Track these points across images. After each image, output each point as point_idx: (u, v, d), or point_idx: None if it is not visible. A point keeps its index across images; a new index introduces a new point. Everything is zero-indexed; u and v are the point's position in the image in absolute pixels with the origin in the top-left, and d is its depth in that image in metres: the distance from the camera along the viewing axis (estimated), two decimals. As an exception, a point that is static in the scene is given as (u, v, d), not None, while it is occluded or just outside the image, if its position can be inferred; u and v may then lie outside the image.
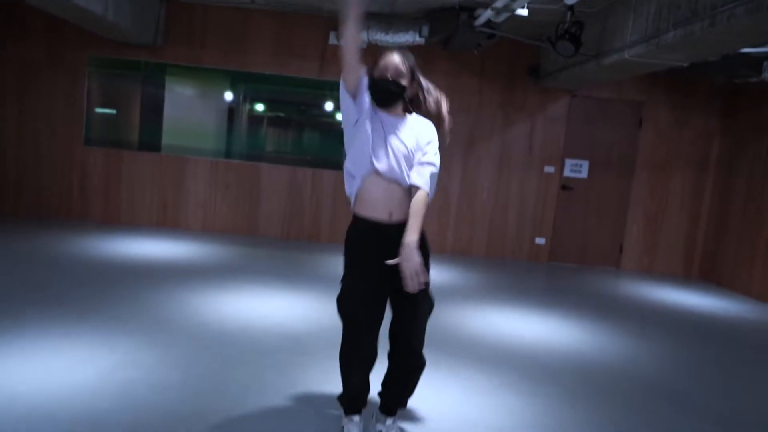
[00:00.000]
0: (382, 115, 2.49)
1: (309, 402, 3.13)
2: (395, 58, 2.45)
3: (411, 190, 2.45)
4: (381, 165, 2.43)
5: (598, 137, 7.93)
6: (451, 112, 2.62)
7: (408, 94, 2.50)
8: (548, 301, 5.96)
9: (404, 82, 2.45)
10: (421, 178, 2.44)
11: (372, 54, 7.45)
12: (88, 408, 2.80)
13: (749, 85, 7.17)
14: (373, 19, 7.07)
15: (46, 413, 2.71)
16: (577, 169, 7.92)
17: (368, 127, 2.45)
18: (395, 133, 2.46)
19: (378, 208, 2.45)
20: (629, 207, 7.98)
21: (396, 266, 2.37)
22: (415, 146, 2.47)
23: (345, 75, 2.42)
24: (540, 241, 7.97)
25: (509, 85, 7.80)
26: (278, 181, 7.83)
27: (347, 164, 2.54)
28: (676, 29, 4.61)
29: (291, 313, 4.67)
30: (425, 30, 6.75)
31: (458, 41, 6.81)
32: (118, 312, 4.26)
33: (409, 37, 6.89)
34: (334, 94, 8.15)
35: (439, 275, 6.56)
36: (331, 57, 7.65)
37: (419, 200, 2.40)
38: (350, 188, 2.55)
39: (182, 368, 3.39)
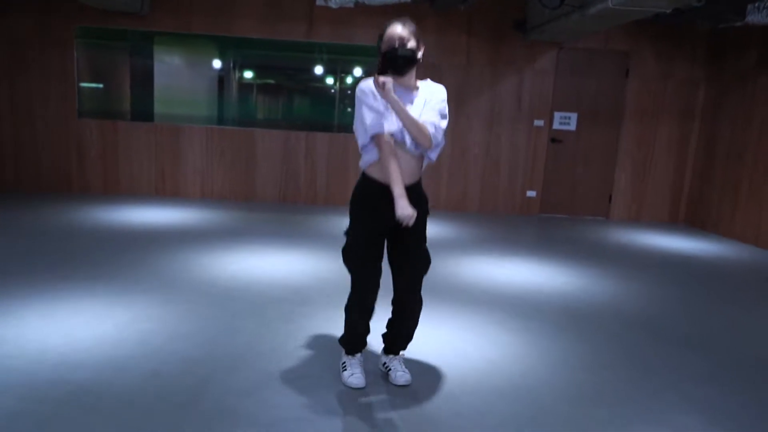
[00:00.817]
0: (397, 90, 2.62)
1: (314, 343, 3.39)
2: (398, 29, 2.60)
3: (422, 159, 2.73)
4: (391, 127, 2.60)
5: (586, 89, 8.09)
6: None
7: (419, 56, 2.65)
8: (539, 250, 6.23)
9: (414, 49, 2.61)
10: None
11: (362, 14, 7.58)
12: (111, 356, 3.05)
13: (733, 30, 7.31)
14: (359, -21, 7.13)
15: (76, 361, 2.96)
16: (565, 121, 8.10)
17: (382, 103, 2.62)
18: (409, 105, 2.65)
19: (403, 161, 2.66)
20: (617, 157, 8.19)
21: (398, 223, 2.63)
22: (423, 109, 2.66)
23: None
24: (531, 194, 8.21)
25: (497, 41, 7.91)
26: (272, 146, 7.99)
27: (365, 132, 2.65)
28: (655, -22, 4.74)
29: (292, 268, 4.91)
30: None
31: (444, -2, 6.90)
32: (129, 274, 4.49)
33: (396, -4, 6.95)
34: (323, 57, 8.26)
35: (433, 230, 6.79)
36: (319, 18, 7.72)
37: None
38: (369, 156, 2.70)
39: (194, 320, 3.64)
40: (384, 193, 2.64)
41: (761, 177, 6.90)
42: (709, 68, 8.01)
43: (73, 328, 3.38)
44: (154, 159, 7.91)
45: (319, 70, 8.47)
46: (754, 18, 6.33)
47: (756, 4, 6.24)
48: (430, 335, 3.58)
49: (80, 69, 7.85)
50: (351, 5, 7.37)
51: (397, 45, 2.58)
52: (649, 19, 7.49)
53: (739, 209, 7.22)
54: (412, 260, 2.80)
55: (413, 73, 2.68)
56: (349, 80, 8.65)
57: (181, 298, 4.02)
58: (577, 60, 8.03)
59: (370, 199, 2.72)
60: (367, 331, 2.93)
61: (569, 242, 6.67)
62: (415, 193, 2.70)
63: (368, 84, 2.62)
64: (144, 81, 8.14)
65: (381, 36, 2.64)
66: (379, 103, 2.58)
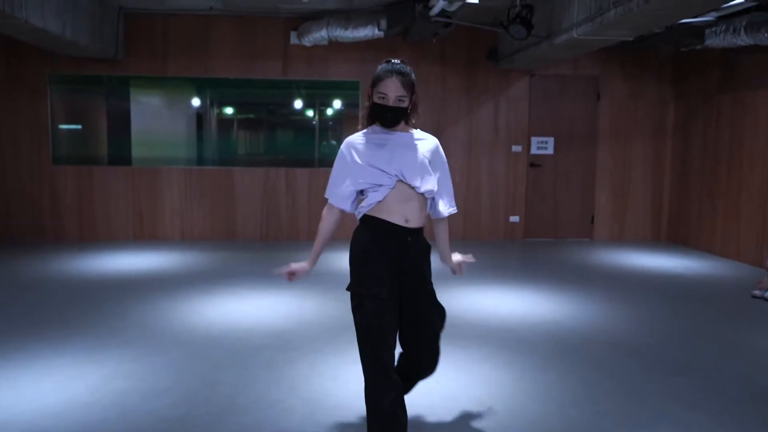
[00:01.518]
0: (386, 135, 2.45)
1: (297, 393, 3.26)
2: (395, 84, 2.33)
3: (425, 197, 2.47)
4: (398, 166, 2.39)
5: (560, 113, 8.13)
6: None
7: (408, 110, 2.45)
8: (524, 276, 6.16)
9: (405, 103, 2.38)
10: (450, 207, 2.60)
11: (336, 50, 7.59)
12: (82, 420, 2.89)
13: (695, 52, 7.41)
14: (332, 15, 7.16)
15: (44, 429, 2.80)
16: (543, 146, 8.12)
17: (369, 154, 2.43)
18: (406, 146, 2.44)
19: (394, 214, 2.39)
20: (596, 179, 8.21)
21: (408, 275, 2.41)
22: (428, 159, 2.46)
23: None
24: (514, 219, 8.17)
25: (470, 70, 7.94)
26: (252, 184, 7.90)
27: (351, 185, 2.45)
28: (617, 7, 4.78)
29: (274, 311, 4.78)
30: (383, 23, 6.86)
31: (416, 32, 6.93)
32: (103, 328, 4.33)
33: (368, 32, 6.99)
34: (300, 92, 8.24)
35: (417, 261, 6.71)
36: (294, 56, 7.72)
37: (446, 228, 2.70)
38: (366, 200, 2.44)
39: (172, 374, 3.49)
40: (392, 233, 2.38)
41: (735, 192, 6.93)
42: (676, 88, 8.11)
43: (42, 393, 3.22)
44: (131, 203, 7.78)
45: (297, 105, 8.44)
46: (712, 41, 6.43)
47: (713, 29, 6.35)
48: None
49: (55, 113, 7.74)
50: (325, 43, 7.40)
51: (391, 102, 2.35)
52: (616, 44, 7.59)
53: (718, 224, 7.23)
54: (427, 318, 2.50)
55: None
56: (327, 113, 8.63)
57: (157, 351, 3.87)
58: (550, 86, 8.09)
59: (374, 241, 2.39)
60: (403, 412, 2.33)
61: (554, 266, 6.61)
62: (422, 239, 2.48)
63: (348, 141, 2.48)
64: (121, 124, 8.04)
65: (374, 80, 2.39)
66: (350, 169, 2.43)
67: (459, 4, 5.84)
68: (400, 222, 2.40)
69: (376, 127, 2.48)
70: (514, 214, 8.17)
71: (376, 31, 6.95)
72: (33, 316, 4.55)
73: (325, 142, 8.53)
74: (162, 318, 4.55)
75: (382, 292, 2.33)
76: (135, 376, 3.45)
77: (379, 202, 2.39)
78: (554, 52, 6.47)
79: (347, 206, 2.50)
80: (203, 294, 5.23)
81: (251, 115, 8.69)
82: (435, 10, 6.11)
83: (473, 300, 5.19)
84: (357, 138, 2.49)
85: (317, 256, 2.71)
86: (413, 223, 2.42)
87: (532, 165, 8.14)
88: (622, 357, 3.86)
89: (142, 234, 7.82)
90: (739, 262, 6.80)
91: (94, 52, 6.97)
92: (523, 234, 8.21)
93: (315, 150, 8.55)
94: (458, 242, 7.99)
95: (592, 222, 8.27)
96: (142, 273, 6.02)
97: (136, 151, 7.96)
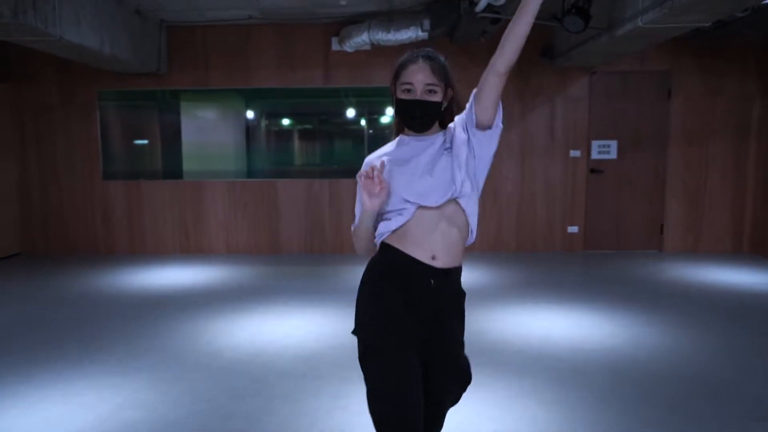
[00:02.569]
0: (415, 144, 1.97)
1: (316, 428, 2.96)
2: (423, 70, 1.89)
3: (464, 232, 1.93)
4: (420, 191, 1.90)
5: (625, 114, 7.52)
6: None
7: (443, 106, 1.95)
8: (582, 294, 5.64)
9: (438, 96, 1.91)
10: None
11: (379, 55, 7.33)
12: (81, 457, 2.71)
13: (784, 39, 6.66)
14: (373, 17, 6.90)
15: (36, 467, 2.63)
16: (605, 150, 7.54)
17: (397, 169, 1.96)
18: (434, 158, 1.93)
19: (417, 246, 1.89)
20: (666, 184, 7.53)
21: (426, 329, 1.90)
22: (455, 156, 1.93)
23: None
24: (573, 229, 7.61)
25: (523, 71, 7.48)
26: (296, 195, 7.73)
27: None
28: (687, -11, 4.26)
29: (306, 331, 4.52)
30: (427, 24, 6.54)
31: (463, 31, 6.57)
32: (132, 348, 4.19)
33: (412, 34, 6.69)
34: (345, 100, 8.03)
35: (467, 276, 6.32)
36: (335, 63, 7.50)
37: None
38: (387, 224, 1.94)
39: (186, 405, 3.28)
40: (411, 270, 1.88)
41: (834, 197, 6.14)
42: (763, 82, 7.33)
43: (49, 424, 3.06)
44: (177, 216, 7.77)
45: (342, 114, 8.24)
46: (807, 23, 5.70)
47: (809, 8, 5.63)
48: (450, 414, 3.09)
49: (107, 129, 7.86)
50: (367, 47, 7.15)
51: (418, 94, 1.89)
52: (690, 34, 6.94)
53: (811, 234, 6.44)
54: (441, 395, 1.99)
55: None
56: (372, 121, 8.38)
57: (177, 376, 3.67)
58: (613, 84, 7.50)
59: (389, 276, 1.91)
60: None
61: (617, 282, 6.04)
62: (454, 283, 1.96)
63: (365, 161, 2.04)
64: (169, 137, 8.09)
65: (396, 70, 1.94)
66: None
67: (506, -2, 5.44)
68: (424, 258, 1.88)
69: (404, 137, 2.01)
70: (572, 224, 7.61)
71: (420, 33, 6.63)
72: (65, 334, 4.48)
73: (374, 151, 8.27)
74: (190, 339, 4.38)
75: (391, 345, 1.82)
76: (147, 406, 3.26)
77: (397, 229, 1.91)
78: (617, 45, 5.94)
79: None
80: (238, 312, 5.05)
81: (296, 125, 8.57)
82: (481, 6, 5.73)
83: (522, 321, 4.75)
84: (376, 155, 2.04)
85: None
86: (442, 261, 1.88)
87: (592, 171, 7.56)
88: (693, 397, 3.34)
89: (188, 247, 7.79)
90: (838, 277, 6.01)
91: (136, 67, 7.00)
92: (584, 245, 7.63)
93: (362, 159, 8.31)
94: (511, 254, 7.51)
95: (662, 232, 7.59)
96: (181, 289, 5.92)
97: (187, 165, 7.97)
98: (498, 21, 6.19)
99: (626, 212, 7.60)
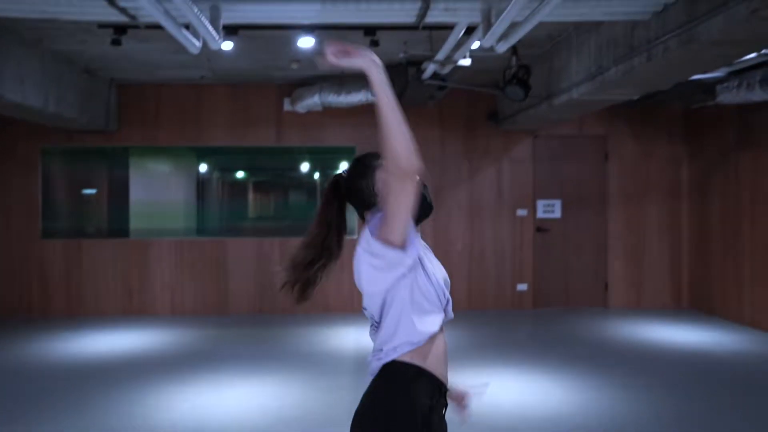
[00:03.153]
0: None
1: None
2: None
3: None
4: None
5: (567, 175, 7.82)
6: None
7: None
8: (532, 355, 5.68)
9: None
10: None
11: (330, 116, 7.45)
12: None
13: (708, 109, 7.11)
14: (325, 81, 7.05)
15: None
16: (549, 209, 7.77)
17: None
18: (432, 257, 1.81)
19: (442, 365, 1.71)
20: (608, 243, 7.79)
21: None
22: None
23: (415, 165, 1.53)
24: (522, 287, 7.73)
25: (470, 132, 7.72)
26: (245, 255, 7.62)
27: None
28: (617, 65, 4.54)
29: (252, 404, 4.38)
30: (376, 88, 6.71)
31: (411, 95, 6.76)
32: (65, 426, 3.96)
33: (362, 97, 6.84)
34: (298, 158, 8.08)
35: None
36: (288, 123, 7.58)
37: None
38: (425, 328, 1.69)
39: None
40: (441, 395, 1.68)
41: (762, 254, 6.46)
42: (689, 146, 7.77)
43: None
44: (120, 275, 7.52)
45: (296, 169, 8.28)
46: (725, 98, 6.13)
47: (725, 85, 6.07)
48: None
49: (50, 186, 7.63)
50: (319, 108, 7.27)
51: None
52: (622, 102, 7.34)
53: (745, 290, 6.73)
54: None
55: None
56: (326, 180, 8.44)
57: (111, 456, 3.48)
58: (554, 146, 7.81)
59: (431, 407, 1.63)
60: None
61: (565, 341, 6.13)
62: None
63: None
64: (119, 194, 7.92)
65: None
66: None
67: (451, 67, 5.66)
68: (444, 378, 1.71)
69: None
70: (521, 282, 7.74)
71: (370, 96, 6.79)
72: (-13, 411, 4.20)
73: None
74: (123, 413, 4.17)
75: None
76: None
77: (426, 346, 1.67)
78: (555, 112, 6.23)
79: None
80: (179, 382, 4.85)
81: (249, 179, 8.55)
82: (427, 74, 5.94)
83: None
84: None
85: None
86: (444, 370, 1.73)
87: (539, 229, 7.77)
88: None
89: (132, 309, 7.52)
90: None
91: (82, 125, 6.89)
92: (533, 303, 7.75)
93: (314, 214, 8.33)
94: (462, 312, 7.54)
95: (606, 289, 7.79)
96: (121, 355, 5.67)
97: (135, 223, 7.80)
98: (444, 88, 6.43)
99: (572, 269, 7.79)
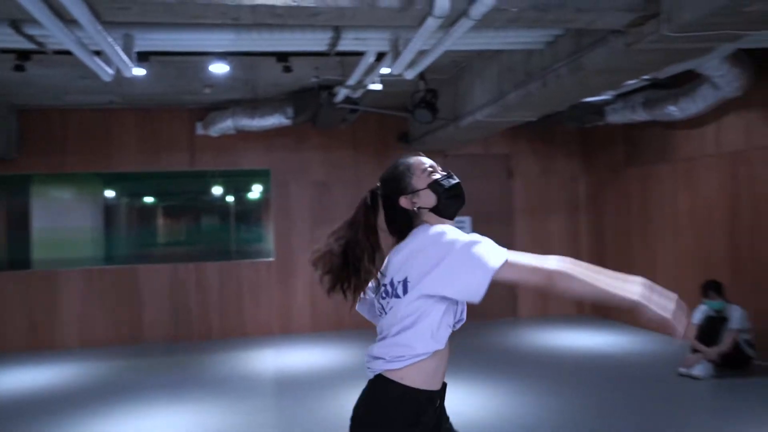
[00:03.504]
0: None
1: None
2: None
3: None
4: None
5: (475, 192, 8.18)
6: None
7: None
8: (450, 368, 5.88)
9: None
10: None
11: (244, 139, 7.43)
12: None
13: (599, 128, 7.72)
14: (238, 105, 7.04)
15: None
16: (460, 226, 8.07)
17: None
18: None
19: (438, 377, 1.84)
20: (516, 255, 8.20)
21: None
22: None
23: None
24: (437, 301, 7.97)
25: (383, 153, 7.93)
26: (159, 282, 7.39)
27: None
28: (516, 90, 4.88)
29: None
30: (290, 112, 6.79)
31: (324, 118, 6.89)
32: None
33: (276, 120, 6.89)
34: (212, 181, 7.97)
35: (335, 355, 6.36)
36: (202, 147, 7.48)
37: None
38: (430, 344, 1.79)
39: None
40: (431, 403, 1.80)
41: (651, 263, 7.05)
42: (585, 163, 8.38)
43: None
44: (24, 309, 7.08)
45: (208, 192, 8.16)
46: (613, 118, 6.71)
47: (612, 106, 6.65)
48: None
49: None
50: (232, 132, 7.24)
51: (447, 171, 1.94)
52: (523, 123, 7.82)
53: (636, 295, 7.28)
54: None
55: None
56: (240, 203, 8.38)
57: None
58: (463, 165, 8.15)
59: (417, 419, 1.75)
60: None
61: (479, 352, 6.39)
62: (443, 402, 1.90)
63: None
64: (19, 224, 7.47)
65: (407, 167, 1.95)
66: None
67: (363, 91, 5.85)
68: (438, 387, 1.83)
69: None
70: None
71: (284, 120, 6.86)
72: None
73: (240, 234, 8.23)
74: (35, 452, 3.96)
75: None
76: None
77: (423, 363, 1.77)
78: (462, 133, 6.55)
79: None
80: (92, 415, 4.65)
81: (159, 203, 8.32)
82: (339, 98, 6.10)
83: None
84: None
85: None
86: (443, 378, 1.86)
87: (452, 245, 8.06)
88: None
89: (38, 343, 7.08)
90: (665, 335, 6.82)
91: (-22, 152, 6.50)
92: (449, 316, 8.00)
93: (229, 238, 8.23)
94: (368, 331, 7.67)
95: (516, 300, 8.20)
96: (23, 394, 5.34)
97: (38, 253, 7.38)
98: (356, 111, 6.61)
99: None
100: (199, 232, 8.45)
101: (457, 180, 1.93)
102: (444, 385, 1.87)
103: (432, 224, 1.83)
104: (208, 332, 7.44)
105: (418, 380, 1.75)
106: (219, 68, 5.41)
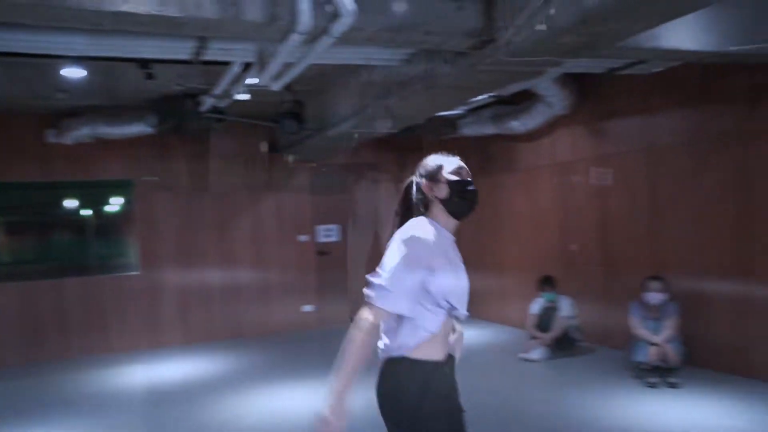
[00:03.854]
0: (443, 232, 2.11)
1: None
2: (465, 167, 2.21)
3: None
4: (461, 294, 2.11)
5: (344, 201, 8.47)
6: None
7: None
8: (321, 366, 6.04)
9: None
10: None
11: (103, 147, 7.08)
12: None
13: (455, 140, 8.33)
14: (96, 111, 6.72)
15: None
16: (329, 234, 8.32)
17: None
18: (458, 256, 2.15)
19: (441, 347, 2.06)
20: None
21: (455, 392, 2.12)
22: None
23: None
24: (308, 308, 8.12)
25: (251, 163, 7.94)
26: (6, 302, 6.81)
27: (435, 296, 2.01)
28: (376, 103, 5.20)
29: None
30: (152, 120, 6.61)
31: (189, 127, 6.79)
32: None
33: (138, 129, 6.68)
34: (67, 195, 7.50)
35: (208, 366, 6.28)
36: (55, 155, 7.01)
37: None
38: (431, 326, 2.02)
39: None
40: (439, 372, 2.04)
41: (498, 263, 7.73)
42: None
43: None
44: None
45: (65, 207, 7.65)
46: (465, 130, 7.32)
47: (464, 120, 7.25)
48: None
49: None
50: (89, 140, 6.89)
51: (470, 179, 2.16)
52: (387, 134, 8.24)
53: (493, 295, 7.91)
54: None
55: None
56: (99, 216, 7.94)
57: None
58: (332, 175, 8.42)
59: (426, 386, 1.99)
60: None
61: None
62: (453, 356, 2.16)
63: (418, 235, 2.01)
64: None
65: (440, 168, 2.18)
66: (431, 269, 2.00)
67: (229, 101, 5.88)
68: (442, 357, 2.07)
69: (436, 224, 2.09)
70: (307, 304, 8.14)
71: (147, 128, 6.66)
72: None
73: (102, 247, 7.81)
74: None
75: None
76: None
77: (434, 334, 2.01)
78: (329, 143, 6.77)
79: (405, 309, 1.97)
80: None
81: (4, 224, 7.64)
82: (206, 107, 6.07)
83: (263, 403, 4.93)
84: (427, 231, 2.04)
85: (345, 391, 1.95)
86: (449, 347, 2.12)
87: (320, 253, 8.26)
88: None
89: None
90: (509, 326, 7.49)
91: None
92: (318, 323, 8.17)
93: (88, 252, 7.77)
94: (252, 338, 7.67)
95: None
96: None
97: None
98: (223, 120, 6.60)
99: (355, 289, 8.40)
100: (54, 247, 7.87)
101: (473, 187, 2.16)
102: (450, 357, 2.11)
103: (424, 220, 2.10)
104: (66, 352, 6.96)
105: (422, 354, 1.99)
106: (73, 72, 5.18)
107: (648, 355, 4.85)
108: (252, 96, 5.94)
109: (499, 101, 6.83)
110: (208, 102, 5.90)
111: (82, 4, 2.86)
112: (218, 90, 5.44)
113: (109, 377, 6.01)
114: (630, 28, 3.25)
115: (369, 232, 8.55)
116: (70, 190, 7.57)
